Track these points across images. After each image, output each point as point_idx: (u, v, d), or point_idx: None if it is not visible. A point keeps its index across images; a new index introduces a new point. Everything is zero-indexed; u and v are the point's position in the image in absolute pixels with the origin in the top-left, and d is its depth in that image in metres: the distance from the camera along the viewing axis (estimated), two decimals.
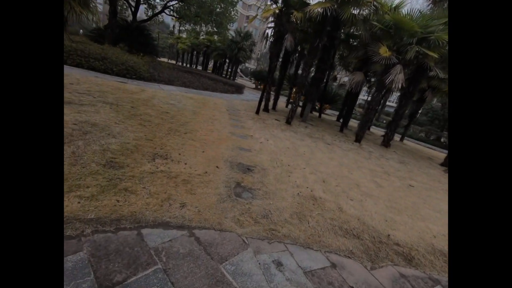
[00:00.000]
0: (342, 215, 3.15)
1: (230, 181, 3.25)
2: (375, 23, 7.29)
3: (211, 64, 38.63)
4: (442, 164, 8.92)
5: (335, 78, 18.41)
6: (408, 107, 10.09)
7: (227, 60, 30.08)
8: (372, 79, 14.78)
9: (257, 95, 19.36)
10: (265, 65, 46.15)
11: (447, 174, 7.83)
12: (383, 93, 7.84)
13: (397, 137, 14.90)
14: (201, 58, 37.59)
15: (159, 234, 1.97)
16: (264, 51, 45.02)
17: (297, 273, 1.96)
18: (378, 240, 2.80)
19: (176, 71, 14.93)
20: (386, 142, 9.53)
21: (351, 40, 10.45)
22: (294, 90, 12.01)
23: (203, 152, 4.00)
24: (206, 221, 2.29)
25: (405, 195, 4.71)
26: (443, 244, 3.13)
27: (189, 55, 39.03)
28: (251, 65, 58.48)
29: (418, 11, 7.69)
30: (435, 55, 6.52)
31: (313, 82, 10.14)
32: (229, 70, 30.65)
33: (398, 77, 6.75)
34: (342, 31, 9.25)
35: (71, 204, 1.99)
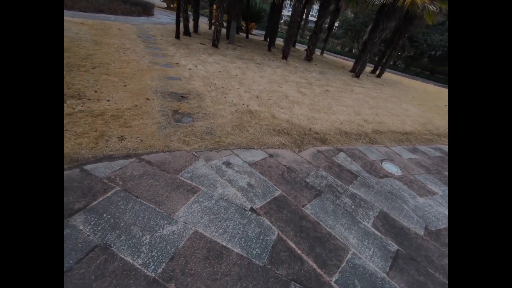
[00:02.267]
0: (275, 121, 3.69)
1: (166, 110, 3.18)
2: None
3: None
4: (351, 71, 10.56)
5: None
6: (326, 18, 10.55)
7: None
8: None
9: (172, 16, 16.22)
10: None
11: (354, 78, 9.45)
12: (303, 3, 7.79)
13: (318, 51, 16.08)
14: None
15: (105, 166, 1.97)
16: None
17: (243, 166, 2.42)
18: (303, 133, 3.53)
19: None
20: (309, 56, 10.27)
21: None
22: (215, 7, 10.52)
23: (125, 86, 3.56)
24: (152, 147, 2.35)
25: (323, 99, 5.66)
26: (346, 127, 4.20)
27: None
28: None
29: None
30: None
31: None
32: None
33: None
34: None
35: None
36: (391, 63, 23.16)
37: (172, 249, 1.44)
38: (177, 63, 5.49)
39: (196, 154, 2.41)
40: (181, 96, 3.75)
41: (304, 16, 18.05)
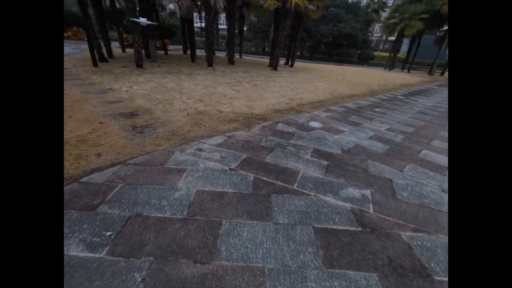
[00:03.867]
0: (223, 114, 4.42)
1: (125, 126, 3.48)
2: None
3: None
4: (269, 66, 12.24)
5: (162, 7, 16.83)
6: (235, 25, 11.86)
7: None
8: (199, 3, 15.01)
9: (72, 46, 14.73)
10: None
11: (273, 71, 11.04)
12: (212, 14, 8.74)
13: (237, 55, 17.51)
14: None
15: (99, 175, 2.30)
16: None
17: (212, 148, 3.06)
18: (247, 117, 4.38)
19: None
20: (230, 60, 11.36)
21: None
22: (122, 30, 10.33)
23: (70, 117, 3.62)
24: (131, 154, 2.73)
25: (254, 91, 6.71)
26: (278, 107, 5.30)
27: None
28: None
29: None
30: None
31: (142, 14, 9.18)
32: None
33: None
34: None
35: None
36: (298, 54, 27.01)
37: (187, 202, 2.01)
38: (110, 88, 5.53)
39: (171, 150, 2.92)
40: (132, 114, 4.03)
41: (214, 26, 19.26)
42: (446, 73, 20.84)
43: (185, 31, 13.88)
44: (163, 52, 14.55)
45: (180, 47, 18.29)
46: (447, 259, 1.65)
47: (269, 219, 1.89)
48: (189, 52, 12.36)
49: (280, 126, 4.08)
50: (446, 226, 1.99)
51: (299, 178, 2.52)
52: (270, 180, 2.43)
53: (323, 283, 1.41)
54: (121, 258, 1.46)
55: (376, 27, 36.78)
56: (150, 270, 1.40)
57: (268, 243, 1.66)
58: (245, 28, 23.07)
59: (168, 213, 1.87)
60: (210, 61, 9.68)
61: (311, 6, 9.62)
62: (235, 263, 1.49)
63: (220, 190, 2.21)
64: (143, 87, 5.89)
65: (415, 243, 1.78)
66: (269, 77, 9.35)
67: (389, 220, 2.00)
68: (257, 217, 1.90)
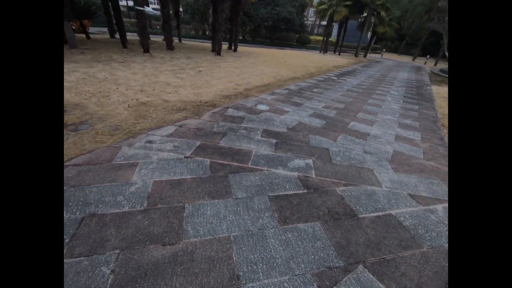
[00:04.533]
0: (170, 104, 4.25)
1: None
2: None
3: None
4: (212, 51, 11.87)
5: None
6: (169, 5, 10.89)
7: None
8: None
9: None
10: None
11: (217, 56, 10.80)
12: None
13: (176, 39, 16.24)
14: None
15: None
16: None
17: (163, 139, 3.00)
18: (196, 105, 4.34)
19: None
20: (169, 45, 10.53)
21: None
22: None
23: None
24: (68, 155, 2.45)
25: (200, 78, 6.54)
26: (226, 92, 5.36)
27: None
28: None
29: None
30: None
31: None
32: None
33: None
34: None
35: None
36: (241, 38, 26.77)
37: (145, 194, 2.01)
38: None
39: (116, 146, 2.74)
40: None
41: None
42: (368, 54, 24.14)
43: (109, 11, 12.00)
44: (84, 36, 12.33)
45: (105, 29, 15.79)
46: (368, 202, 2.17)
47: (229, 196, 2.07)
48: (117, 36, 10.83)
49: (230, 111, 4.20)
50: (367, 179, 2.56)
51: (252, 157, 2.75)
52: (226, 162, 2.59)
53: (280, 237, 1.70)
54: (82, 258, 1.42)
55: (310, 11, 39.10)
56: (118, 261, 1.43)
57: (230, 216, 1.85)
58: (181, 9, 21.31)
59: (127, 207, 1.85)
60: (145, 46, 8.78)
61: None
62: (203, 238, 1.64)
63: (178, 178, 2.26)
64: (65, 78, 5.05)
65: (346, 194, 2.26)
66: (214, 63, 9.15)
67: (327, 181, 2.45)
68: (218, 196, 2.06)
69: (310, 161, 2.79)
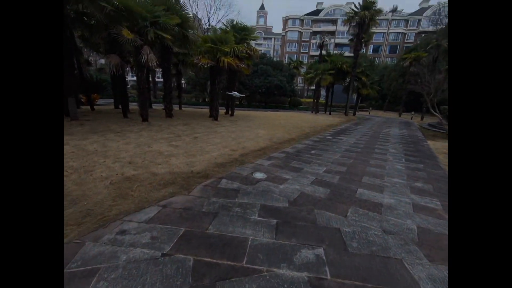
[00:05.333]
0: (157, 177, 3.89)
1: None
2: (104, 4, 7.22)
3: None
4: (209, 116, 12.46)
5: (88, 63, 15.89)
6: (171, 80, 12.01)
7: None
8: (132, 59, 14.90)
9: None
10: None
11: (214, 121, 11.20)
12: (145, 72, 8.61)
13: (177, 107, 17.40)
14: None
15: None
16: None
17: (141, 226, 2.49)
18: (187, 177, 3.98)
19: None
20: (168, 113, 11.05)
21: (85, 18, 9.41)
22: None
23: None
24: None
25: (195, 144, 6.43)
26: (220, 160, 5.11)
27: None
28: None
29: None
30: (169, 36, 8.24)
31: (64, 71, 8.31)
32: None
33: (150, 56, 7.76)
34: (69, 7, 8.02)
35: None
36: (237, 103, 29.05)
37: None
38: None
39: (78, 241, 2.20)
40: None
41: (151, 79, 19.16)
42: (357, 113, 25.82)
43: (116, 86, 13.15)
44: (89, 108, 13.12)
45: (111, 100, 17.04)
46: None
47: None
48: (120, 107, 11.49)
49: (223, 183, 3.81)
50: (399, 278, 1.96)
51: (248, 249, 2.19)
52: (215, 261, 2.02)
53: None
54: None
55: (299, 79, 44.11)
56: None
57: None
58: (183, 81, 23.82)
59: None
60: (145, 116, 9.12)
61: (242, 65, 10.81)
62: None
63: None
64: None
65: None
66: (210, 128, 9.36)
67: (347, 284, 1.84)
68: None
69: (320, 251, 2.22)
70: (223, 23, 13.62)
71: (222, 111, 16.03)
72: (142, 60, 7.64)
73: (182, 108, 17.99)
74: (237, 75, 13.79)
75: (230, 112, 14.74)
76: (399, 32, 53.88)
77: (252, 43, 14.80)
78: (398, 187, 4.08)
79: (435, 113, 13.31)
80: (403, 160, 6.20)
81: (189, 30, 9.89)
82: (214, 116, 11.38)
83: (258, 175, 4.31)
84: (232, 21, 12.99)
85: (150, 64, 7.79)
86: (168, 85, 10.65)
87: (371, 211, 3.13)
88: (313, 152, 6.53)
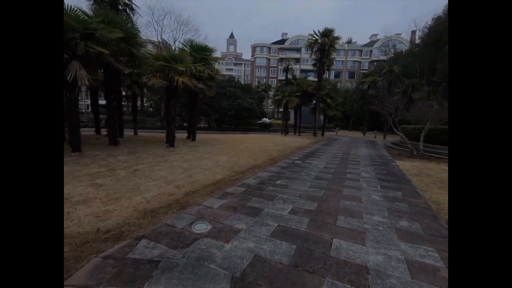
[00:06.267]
0: None
1: None
2: None
3: None
4: (166, 142, 10.98)
5: None
6: (114, 102, 10.40)
7: None
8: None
9: None
10: None
11: (170, 148, 9.76)
12: (76, 92, 7.10)
13: (131, 132, 15.50)
14: None
15: None
16: None
17: None
18: (83, 243, 2.57)
19: None
20: (112, 140, 9.34)
21: None
22: None
23: None
24: None
25: (129, 181, 4.98)
26: (154, 204, 3.78)
27: None
28: None
29: (76, 8, 7.43)
30: (106, 51, 7.02)
31: None
32: None
33: (80, 73, 6.37)
34: None
35: None
36: (206, 125, 27.84)
37: None
38: None
39: None
40: None
41: (90, 102, 17.04)
42: (325, 133, 26.38)
43: None
44: None
45: None
46: None
47: None
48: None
49: (140, 249, 2.50)
50: None
51: None
52: None
53: None
54: None
55: (269, 101, 44.98)
56: None
57: None
58: (139, 103, 21.95)
59: None
60: (75, 144, 7.34)
61: (200, 85, 9.87)
62: None
63: None
64: None
65: None
66: (161, 157, 7.92)
67: None
68: None
69: None
70: (181, 42, 12.83)
71: (184, 135, 14.62)
72: (68, 77, 6.18)
73: (138, 134, 16.07)
74: (199, 97, 12.80)
75: (192, 137, 13.40)
76: (355, 60, 60.01)
77: (215, 64, 14.17)
78: (382, 231, 3.17)
79: (397, 132, 13.69)
80: (379, 187, 5.50)
81: (139, 48, 8.80)
82: (170, 141, 9.96)
83: (199, 227, 3.07)
84: (190, 40, 12.30)
85: (79, 82, 6.37)
86: (112, 107, 9.10)
87: (355, 284, 2.08)
88: (278, 182, 5.52)
